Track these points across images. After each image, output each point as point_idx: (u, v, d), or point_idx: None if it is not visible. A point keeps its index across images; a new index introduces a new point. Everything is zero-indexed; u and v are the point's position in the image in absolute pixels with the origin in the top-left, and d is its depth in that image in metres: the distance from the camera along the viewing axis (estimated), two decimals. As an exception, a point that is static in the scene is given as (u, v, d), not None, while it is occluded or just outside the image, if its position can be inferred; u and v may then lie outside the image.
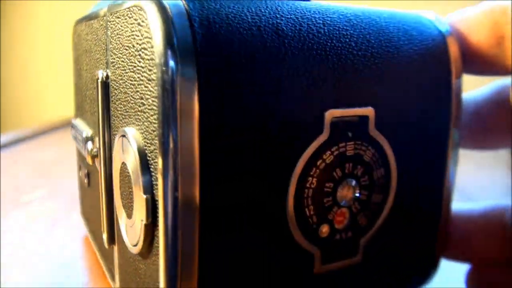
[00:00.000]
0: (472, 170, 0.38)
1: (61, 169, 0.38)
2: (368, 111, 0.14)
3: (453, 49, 0.16)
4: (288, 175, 0.13)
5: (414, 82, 0.15)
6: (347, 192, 0.14)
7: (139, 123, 0.13)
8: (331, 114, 0.13)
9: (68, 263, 0.22)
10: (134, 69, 0.13)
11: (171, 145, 0.11)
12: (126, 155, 0.13)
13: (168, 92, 0.11)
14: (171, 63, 0.11)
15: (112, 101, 0.15)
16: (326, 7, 0.14)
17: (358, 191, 0.14)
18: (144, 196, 0.12)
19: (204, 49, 0.12)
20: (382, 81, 0.14)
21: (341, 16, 0.14)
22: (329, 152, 0.14)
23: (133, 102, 0.13)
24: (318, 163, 0.13)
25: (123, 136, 0.13)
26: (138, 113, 0.13)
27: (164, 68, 0.11)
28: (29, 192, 0.32)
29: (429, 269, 0.17)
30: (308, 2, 0.14)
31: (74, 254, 0.22)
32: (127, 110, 0.14)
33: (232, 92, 0.12)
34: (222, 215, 0.12)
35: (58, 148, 0.46)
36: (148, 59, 0.12)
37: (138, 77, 0.13)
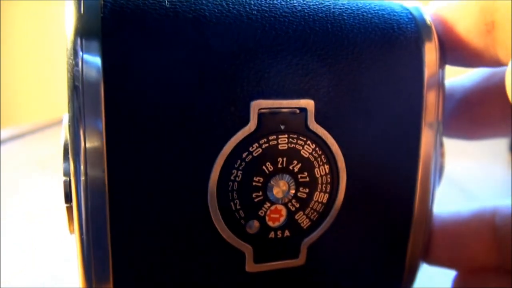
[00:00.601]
0: (473, 167, 0.36)
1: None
2: (306, 103, 0.13)
3: (429, 39, 0.15)
4: (209, 166, 0.13)
5: (370, 73, 0.14)
6: (281, 188, 0.13)
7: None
8: (257, 104, 0.13)
9: (69, 260, 0.22)
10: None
11: (81, 131, 0.12)
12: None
13: (74, 82, 0.12)
14: (77, 52, 0.11)
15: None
16: None
17: (294, 188, 0.13)
18: (63, 179, 0.13)
19: (109, 37, 0.12)
20: (326, 71, 0.13)
21: (283, 2, 0.14)
22: (256, 144, 0.13)
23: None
24: (244, 155, 0.13)
25: None
26: (68, 100, 0.13)
27: (71, 58, 0.12)
28: (30, 187, 0.33)
29: (397, 280, 0.16)
30: None
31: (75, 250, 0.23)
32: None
33: (140, 80, 0.12)
34: (133, 205, 0.12)
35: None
36: (67, 48, 0.12)
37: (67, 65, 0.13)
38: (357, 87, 0.14)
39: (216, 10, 0.13)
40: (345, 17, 0.14)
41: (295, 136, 0.13)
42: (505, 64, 0.14)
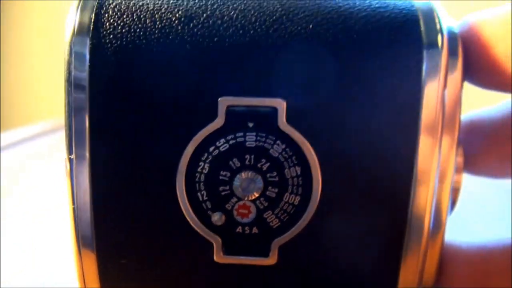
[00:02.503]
0: None
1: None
2: (277, 102, 0.13)
3: (433, 44, 0.13)
4: (178, 155, 0.14)
5: (351, 75, 0.13)
6: (247, 185, 0.14)
7: None
8: (226, 101, 0.13)
9: (69, 260, 0.22)
10: None
11: (72, 117, 0.14)
12: None
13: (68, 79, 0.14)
14: (70, 45, 0.13)
15: None
16: None
17: (262, 186, 0.14)
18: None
19: (94, 32, 0.13)
20: (303, 71, 0.13)
21: (266, 4, 0.14)
22: (223, 140, 0.13)
23: None
24: (211, 149, 0.13)
25: None
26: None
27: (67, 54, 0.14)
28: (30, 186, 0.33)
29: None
30: None
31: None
32: None
33: (120, 74, 0.13)
34: (110, 185, 0.14)
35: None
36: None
37: None
38: (334, 88, 0.13)
39: (199, 11, 0.14)
40: (329, 15, 0.13)
41: (264, 135, 0.13)
42: None
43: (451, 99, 0.14)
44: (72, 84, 0.14)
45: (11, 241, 0.24)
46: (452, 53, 0.14)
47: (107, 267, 0.15)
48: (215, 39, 0.13)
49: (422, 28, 0.13)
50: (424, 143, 0.13)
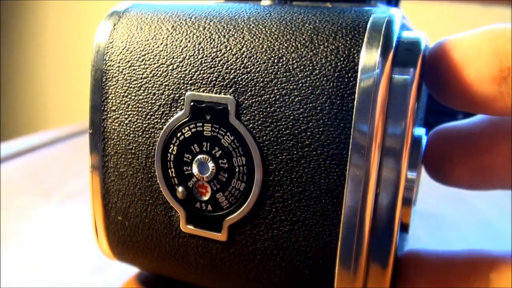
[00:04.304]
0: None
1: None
2: (228, 99, 0.16)
3: (372, 45, 0.14)
4: (156, 138, 0.17)
5: (292, 75, 0.15)
6: (203, 167, 0.16)
7: None
8: (190, 96, 0.16)
9: (70, 260, 0.23)
10: None
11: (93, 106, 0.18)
12: None
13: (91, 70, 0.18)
14: (95, 46, 0.18)
15: None
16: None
17: (215, 170, 0.16)
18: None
19: (110, 37, 0.17)
20: (250, 71, 0.15)
21: (233, 13, 0.16)
22: (187, 128, 0.16)
23: None
24: (178, 134, 0.16)
25: None
26: None
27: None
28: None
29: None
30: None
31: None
32: None
33: (116, 71, 0.17)
34: (114, 150, 0.18)
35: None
36: None
37: None
38: (279, 87, 0.15)
39: (184, 23, 0.17)
40: (282, 26, 0.15)
41: (217, 126, 0.16)
42: None
43: (398, 105, 0.14)
44: (93, 77, 0.18)
45: (11, 241, 0.24)
46: (403, 64, 0.14)
47: (108, 220, 0.19)
48: (188, 45, 0.16)
49: (366, 39, 0.14)
50: (356, 148, 0.14)
